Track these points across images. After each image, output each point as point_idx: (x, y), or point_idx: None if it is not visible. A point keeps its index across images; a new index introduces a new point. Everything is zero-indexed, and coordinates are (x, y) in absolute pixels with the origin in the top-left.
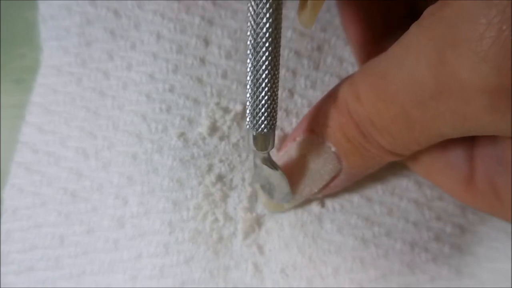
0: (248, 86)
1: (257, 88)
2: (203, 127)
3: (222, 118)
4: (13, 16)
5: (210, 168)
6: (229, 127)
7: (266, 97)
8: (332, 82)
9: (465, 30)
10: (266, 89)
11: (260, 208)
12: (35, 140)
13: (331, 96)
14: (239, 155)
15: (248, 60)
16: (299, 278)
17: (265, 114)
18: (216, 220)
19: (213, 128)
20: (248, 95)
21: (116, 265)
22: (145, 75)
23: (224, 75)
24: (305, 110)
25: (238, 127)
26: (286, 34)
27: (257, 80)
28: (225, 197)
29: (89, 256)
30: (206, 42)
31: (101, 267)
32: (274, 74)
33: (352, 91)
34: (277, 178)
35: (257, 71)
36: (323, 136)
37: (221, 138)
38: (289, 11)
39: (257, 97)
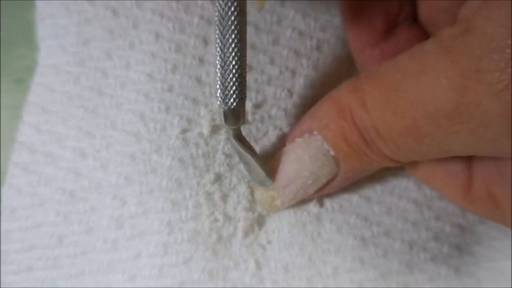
0: (217, 62)
1: (225, 63)
2: (202, 127)
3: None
4: (12, 16)
5: (209, 168)
6: None
7: (234, 72)
8: (332, 83)
9: (490, 59)
10: (234, 63)
11: (260, 208)
12: (33, 140)
13: (333, 99)
14: None
15: (216, 35)
16: (298, 278)
17: (233, 89)
18: (215, 220)
19: (212, 128)
20: (217, 70)
21: (115, 265)
22: (143, 75)
23: None
24: (304, 110)
25: None
26: (285, 33)
27: (225, 55)
28: (224, 197)
29: (88, 256)
30: (205, 42)
31: (100, 267)
32: (241, 49)
33: (357, 97)
34: (251, 158)
35: (224, 46)
36: (323, 138)
37: (220, 138)
38: (289, 11)
39: (225, 72)
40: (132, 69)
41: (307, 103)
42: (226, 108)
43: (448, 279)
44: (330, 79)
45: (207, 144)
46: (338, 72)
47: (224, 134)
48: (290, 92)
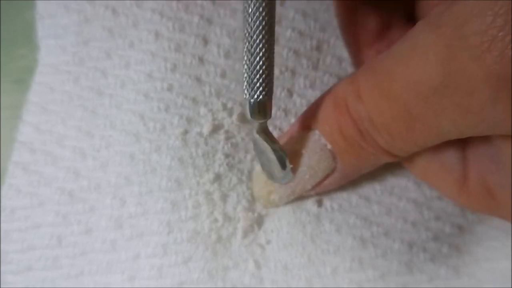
0: (244, 54)
1: (253, 55)
2: (202, 127)
3: (221, 118)
4: (12, 16)
5: (208, 167)
6: (228, 127)
7: (261, 64)
8: (331, 82)
9: (473, 23)
10: (261, 55)
11: (259, 208)
12: (33, 140)
13: (330, 94)
14: (238, 155)
15: (244, 28)
16: (298, 278)
17: (261, 81)
18: (215, 220)
19: (212, 128)
20: (244, 63)
21: (114, 266)
22: (143, 74)
23: (223, 75)
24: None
25: (237, 127)
26: (285, 33)
27: (252, 47)
28: (224, 197)
29: (87, 256)
30: (205, 41)
31: (99, 267)
32: (269, 41)
33: (352, 89)
34: (273, 154)
35: (252, 37)
36: (320, 133)
37: (220, 138)
38: (288, 11)
39: (253, 64)
40: (132, 69)
41: (307, 103)
42: (253, 101)
43: (448, 279)
44: (330, 79)
45: (206, 144)
46: (338, 72)
47: (224, 134)
48: (290, 92)
